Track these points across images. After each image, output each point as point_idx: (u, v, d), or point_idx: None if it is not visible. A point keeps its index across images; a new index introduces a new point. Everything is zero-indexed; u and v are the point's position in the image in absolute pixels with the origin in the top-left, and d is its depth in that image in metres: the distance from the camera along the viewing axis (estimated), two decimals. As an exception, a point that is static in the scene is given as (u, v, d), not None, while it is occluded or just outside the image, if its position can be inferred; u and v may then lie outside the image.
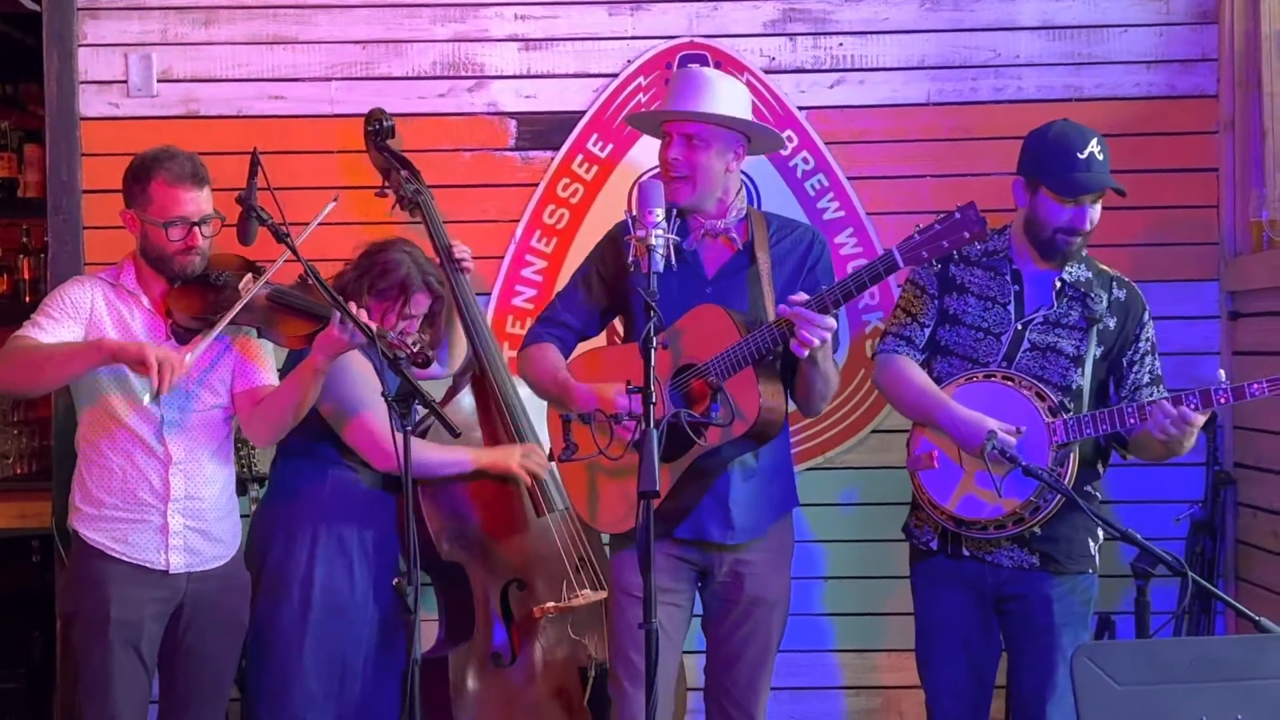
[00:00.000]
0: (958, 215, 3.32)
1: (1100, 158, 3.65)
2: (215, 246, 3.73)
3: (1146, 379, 3.74)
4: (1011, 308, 3.73)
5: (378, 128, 4.37)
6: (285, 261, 3.68)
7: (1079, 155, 3.63)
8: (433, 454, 3.93)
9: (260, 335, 3.79)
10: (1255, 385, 3.44)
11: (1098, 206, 3.69)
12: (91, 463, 3.69)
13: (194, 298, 3.68)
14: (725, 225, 3.67)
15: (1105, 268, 3.81)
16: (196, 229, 3.64)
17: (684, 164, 3.61)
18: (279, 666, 3.87)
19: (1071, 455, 3.60)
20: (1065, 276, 3.73)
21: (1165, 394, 3.66)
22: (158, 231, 3.63)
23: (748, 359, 3.44)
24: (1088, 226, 3.67)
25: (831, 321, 3.37)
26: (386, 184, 4.35)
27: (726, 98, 3.64)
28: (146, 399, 3.59)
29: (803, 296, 3.39)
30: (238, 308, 3.61)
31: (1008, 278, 3.75)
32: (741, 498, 3.62)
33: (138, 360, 3.48)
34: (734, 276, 3.65)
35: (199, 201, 3.64)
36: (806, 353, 3.37)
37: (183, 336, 3.68)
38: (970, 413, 3.61)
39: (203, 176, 3.66)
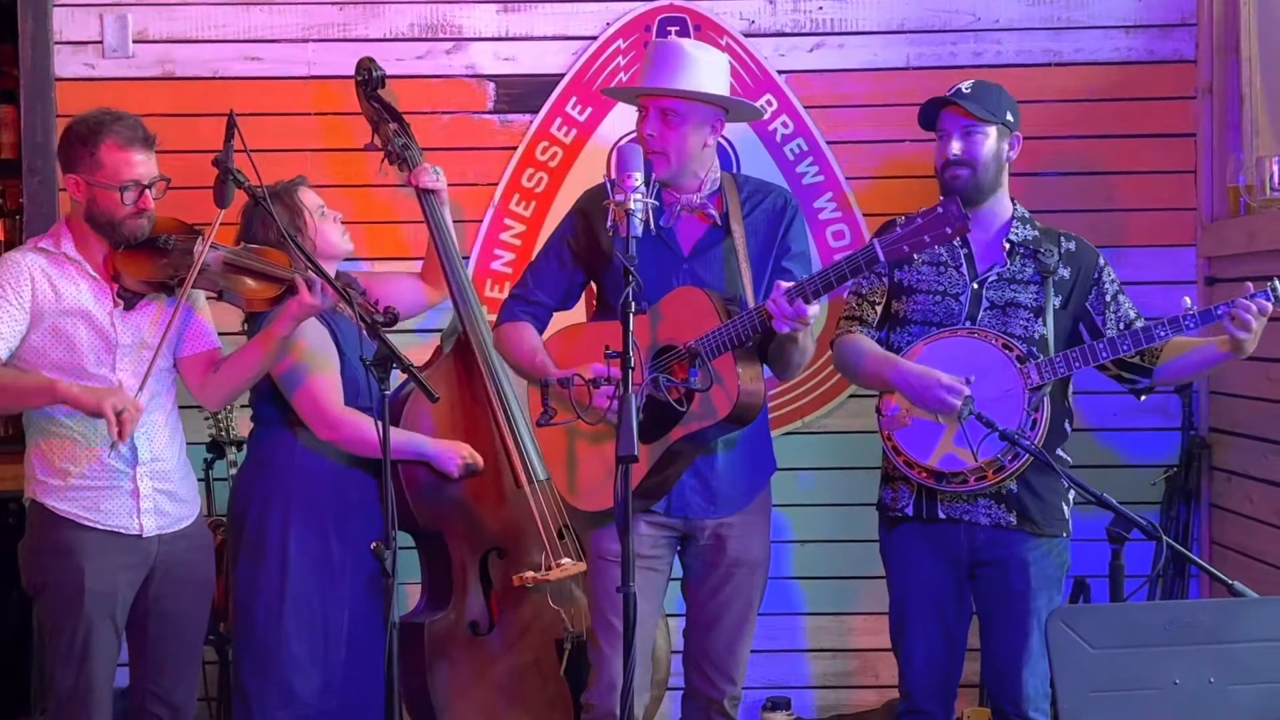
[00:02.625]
0: (940, 210, 3.30)
1: (966, 90, 3.73)
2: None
3: (1133, 314, 3.76)
4: (964, 269, 3.76)
5: (367, 77, 4.26)
6: (241, 226, 3.66)
7: (947, 94, 3.75)
8: (385, 435, 3.89)
9: (222, 298, 3.75)
10: (1221, 308, 3.50)
11: (978, 139, 3.70)
12: (49, 434, 3.65)
13: (143, 261, 3.64)
14: (701, 200, 3.65)
15: (1050, 226, 3.84)
16: (147, 191, 3.60)
17: (659, 140, 3.59)
18: (262, 632, 3.87)
19: (1045, 400, 3.62)
20: (1013, 237, 3.77)
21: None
22: (109, 195, 3.57)
23: (728, 345, 3.43)
24: (954, 153, 3.70)
25: (813, 310, 3.36)
26: (375, 137, 4.28)
27: (704, 71, 3.60)
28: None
29: (784, 286, 3.38)
30: (195, 272, 3.57)
31: (955, 243, 3.76)
32: (725, 471, 3.63)
33: (94, 411, 3.48)
34: (709, 251, 3.64)
35: (149, 164, 3.60)
36: (788, 328, 3.37)
37: (130, 301, 3.64)
38: (920, 368, 3.64)
39: (151, 138, 3.62)
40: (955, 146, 3.71)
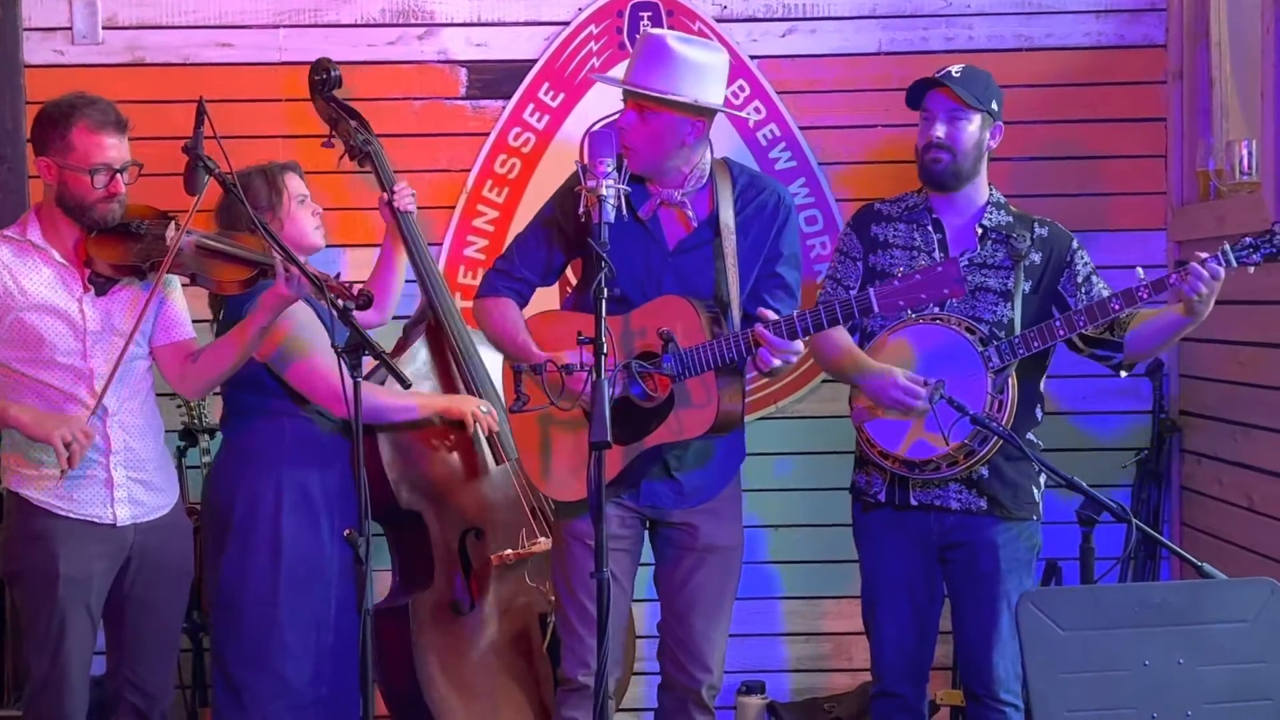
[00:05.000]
0: (940, 269, 3.31)
1: (956, 74, 3.75)
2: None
3: (1107, 294, 3.76)
4: (937, 254, 3.78)
5: (324, 77, 4.27)
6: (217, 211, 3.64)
7: (937, 75, 3.77)
8: (386, 399, 3.92)
9: (195, 283, 3.72)
10: (1174, 276, 3.53)
11: (962, 125, 3.73)
12: None
13: (115, 246, 3.62)
14: (681, 197, 3.60)
15: (1025, 212, 3.87)
16: (119, 176, 3.59)
17: (631, 135, 3.53)
18: (254, 625, 3.84)
19: (1010, 381, 3.65)
20: (986, 222, 3.80)
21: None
22: (79, 179, 3.56)
23: (710, 365, 3.44)
24: (937, 136, 3.73)
25: (799, 346, 3.39)
26: (334, 134, 4.28)
27: (692, 74, 3.48)
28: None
29: (772, 316, 3.39)
30: (171, 257, 3.55)
31: (929, 227, 3.82)
32: (695, 465, 3.62)
33: (42, 441, 3.52)
34: (696, 250, 3.60)
35: (120, 148, 3.59)
36: (780, 361, 3.40)
37: (102, 286, 3.62)
38: (880, 369, 3.68)
39: (123, 123, 3.61)
40: (939, 130, 3.73)
